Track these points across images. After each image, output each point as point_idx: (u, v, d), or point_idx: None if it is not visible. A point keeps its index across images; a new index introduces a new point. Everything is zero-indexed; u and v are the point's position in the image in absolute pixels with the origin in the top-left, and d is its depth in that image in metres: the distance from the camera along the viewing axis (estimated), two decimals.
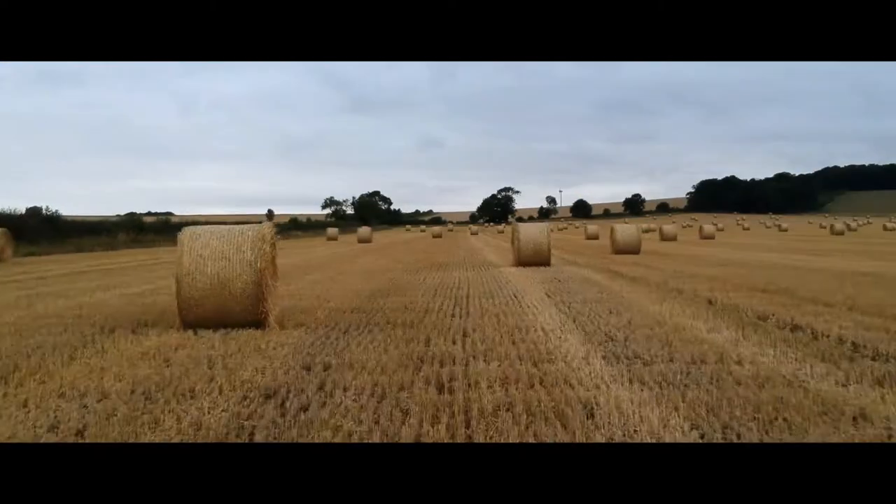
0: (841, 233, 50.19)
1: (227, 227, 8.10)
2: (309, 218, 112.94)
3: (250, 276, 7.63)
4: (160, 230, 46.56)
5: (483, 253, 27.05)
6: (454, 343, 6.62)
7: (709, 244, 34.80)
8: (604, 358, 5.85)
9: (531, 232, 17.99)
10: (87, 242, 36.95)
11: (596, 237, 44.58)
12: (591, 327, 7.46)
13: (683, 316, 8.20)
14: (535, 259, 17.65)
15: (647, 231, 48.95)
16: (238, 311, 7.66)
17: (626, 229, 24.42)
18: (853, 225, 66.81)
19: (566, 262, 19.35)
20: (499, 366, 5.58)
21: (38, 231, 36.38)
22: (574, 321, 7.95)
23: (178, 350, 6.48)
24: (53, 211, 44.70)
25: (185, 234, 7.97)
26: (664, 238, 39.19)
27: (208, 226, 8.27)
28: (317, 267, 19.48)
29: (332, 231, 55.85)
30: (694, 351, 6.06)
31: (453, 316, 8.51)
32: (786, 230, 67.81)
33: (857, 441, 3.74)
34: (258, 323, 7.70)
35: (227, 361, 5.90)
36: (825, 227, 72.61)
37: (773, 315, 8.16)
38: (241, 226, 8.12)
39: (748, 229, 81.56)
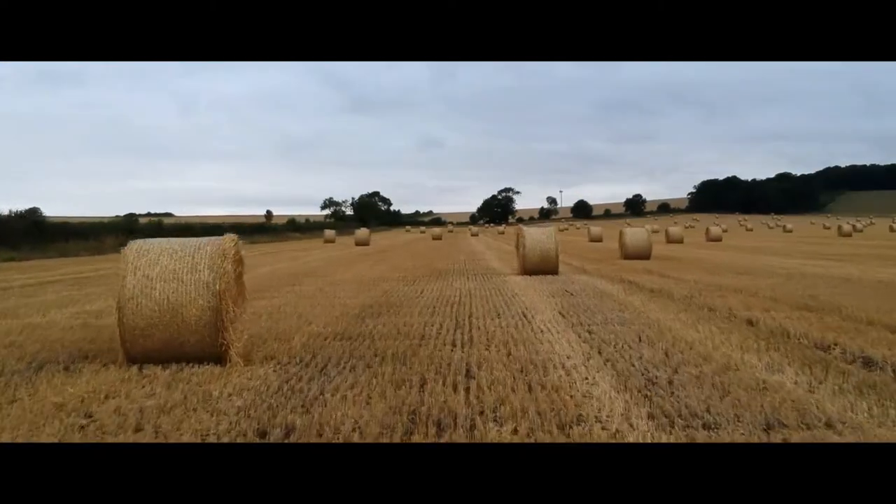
0: (848, 234, 48.90)
1: (182, 240, 6.74)
2: (308, 219, 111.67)
3: (207, 301, 6.27)
4: (152, 233, 45.18)
5: (485, 258, 25.71)
6: (455, 389, 5.28)
7: (717, 247, 33.58)
8: (650, 417, 4.50)
9: (538, 237, 16.58)
10: (72, 247, 35.57)
11: (599, 239, 43.30)
12: (622, 363, 6.13)
13: (729, 346, 6.87)
14: (541, 267, 16.27)
15: (652, 232, 47.65)
16: (193, 343, 6.32)
17: (636, 233, 23.05)
18: (858, 226, 65.49)
19: (574, 270, 18.02)
20: (514, 430, 4.25)
21: (22, 235, 35.01)
22: (600, 353, 6.62)
23: (108, 399, 5.14)
24: (39, 213, 43.36)
25: (131, 249, 6.63)
26: (670, 240, 37.89)
27: (161, 239, 6.92)
28: (308, 274, 18.17)
29: (329, 233, 54.45)
30: (764, 404, 4.72)
31: (454, 345, 7.17)
32: (790, 231, 66.67)
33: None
34: (217, 357, 6.36)
35: (161, 421, 4.56)
36: (829, 228, 71.59)
37: (836, 344, 6.83)
38: (199, 239, 6.76)
39: (751, 230, 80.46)
